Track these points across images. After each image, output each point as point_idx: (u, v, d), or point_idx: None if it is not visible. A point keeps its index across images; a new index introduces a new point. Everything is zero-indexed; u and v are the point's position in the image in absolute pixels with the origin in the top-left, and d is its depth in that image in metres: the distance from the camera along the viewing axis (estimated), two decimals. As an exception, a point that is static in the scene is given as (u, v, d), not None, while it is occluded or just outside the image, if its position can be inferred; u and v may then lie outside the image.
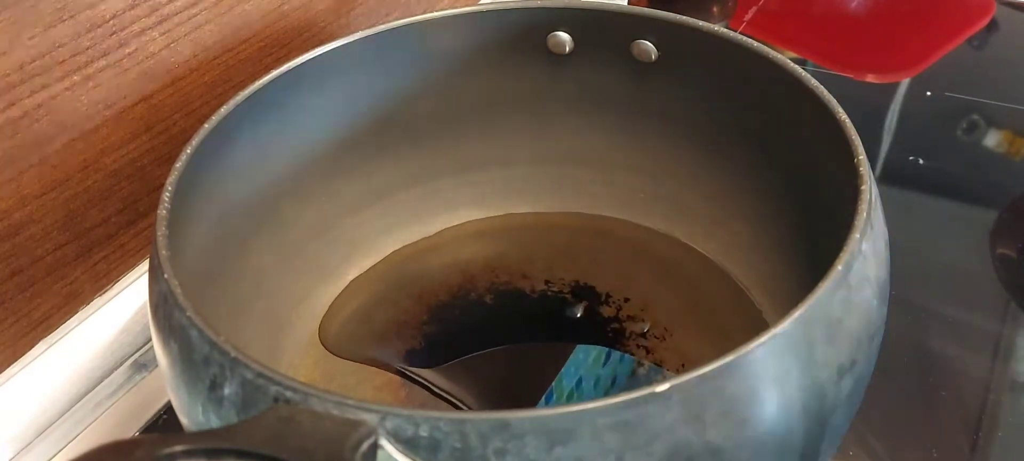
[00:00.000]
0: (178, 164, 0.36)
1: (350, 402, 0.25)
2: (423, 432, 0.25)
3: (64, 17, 0.39)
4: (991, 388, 0.43)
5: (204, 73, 0.47)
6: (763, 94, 0.41)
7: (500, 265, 0.48)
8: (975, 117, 0.62)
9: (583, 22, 0.45)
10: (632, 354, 0.42)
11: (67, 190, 0.42)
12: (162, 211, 0.34)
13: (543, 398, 0.41)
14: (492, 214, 0.50)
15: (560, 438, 0.25)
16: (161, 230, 0.33)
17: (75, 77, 0.41)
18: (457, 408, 0.41)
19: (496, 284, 0.47)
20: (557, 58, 0.46)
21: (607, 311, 0.45)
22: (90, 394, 0.45)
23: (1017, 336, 0.46)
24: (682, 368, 0.42)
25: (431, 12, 0.45)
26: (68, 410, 0.44)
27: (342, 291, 0.47)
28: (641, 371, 0.42)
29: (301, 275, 0.45)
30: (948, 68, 0.68)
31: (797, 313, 0.28)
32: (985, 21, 0.71)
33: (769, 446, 0.28)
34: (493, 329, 0.44)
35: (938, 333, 0.46)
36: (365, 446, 0.24)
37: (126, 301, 0.46)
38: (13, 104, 0.39)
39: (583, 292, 0.46)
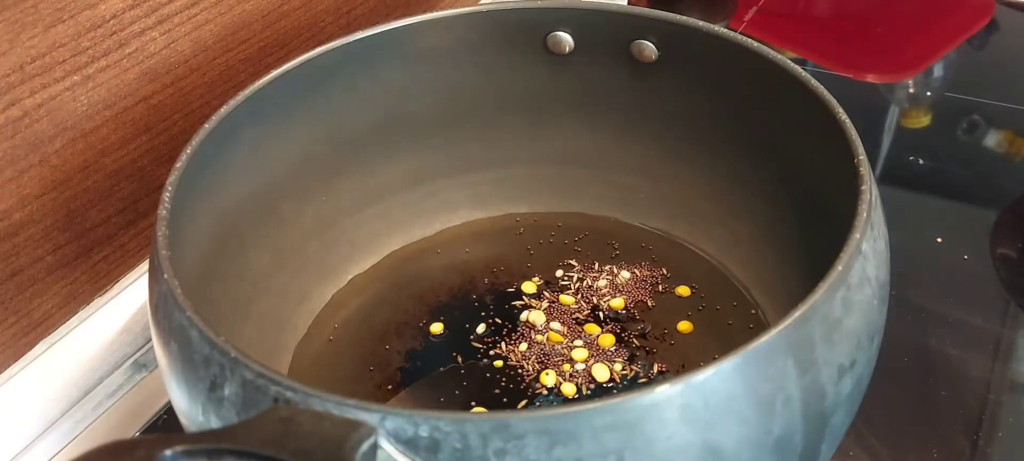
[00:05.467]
0: (178, 164, 0.36)
1: (350, 402, 0.25)
2: (423, 432, 0.25)
3: (64, 17, 0.39)
4: (991, 388, 0.43)
5: (204, 73, 0.47)
6: (763, 94, 0.41)
7: (500, 265, 0.48)
8: (975, 117, 0.62)
9: (583, 22, 0.45)
10: (633, 354, 0.42)
11: (67, 190, 0.42)
12: (162, 211, 0.34)
13: (543, 399, 0.41)
14: (492, 214, 0.50)
15: (560, 438, 0.25)
16: (161, 230, 0.33)
17: (75, 77, 0.41)
18: (457, 408, 0.41)
19: (496, 284, 0.47)
20: (557, 58, 0.46)
21: (607, 311, 0.45)
22: (90, 394, 0.45)
23: (1017, 336, 0.46)
24: (682, 368, 0.42)
25: (431, 12, 0.45)
26: (68, 410, 0.44)
27: (342, 291, 0.47)
28: (641, 371, 0.42)
29: (301, 275, 0.45)
30: (948, 68, 0.68)
31: (797, 313, 0.28)
32: (985, 21, 0.71)
33: (769, 446, 0.28)
34: (493, 329, 0.44)
35: (938, 333, 0.46)
36: (365, 446, 0.24)
37: (126, 301, 0.46)
38: (13, 104, 0.39)
39: (583, 292, 0.46)
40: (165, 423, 0.44)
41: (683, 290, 0.45)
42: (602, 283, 0.46)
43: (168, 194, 0.34)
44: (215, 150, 0.38)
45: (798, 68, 0.39)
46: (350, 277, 0.47)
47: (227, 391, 0.28)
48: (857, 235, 0.30)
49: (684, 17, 0.43)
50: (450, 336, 0.44)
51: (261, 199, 0.43)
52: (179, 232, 0.34)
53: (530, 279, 0.46)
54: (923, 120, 0.63)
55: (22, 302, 0.42)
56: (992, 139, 0.60)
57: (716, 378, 0.26)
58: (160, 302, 0.31)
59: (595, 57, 0.46)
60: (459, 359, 0.43)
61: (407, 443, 0.25)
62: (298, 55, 0.42)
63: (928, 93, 0.65)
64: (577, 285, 0.46)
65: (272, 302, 0.43)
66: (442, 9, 0.45)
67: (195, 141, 0.37)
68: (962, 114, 0.62)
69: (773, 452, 0.28)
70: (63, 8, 0.39)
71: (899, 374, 0.43)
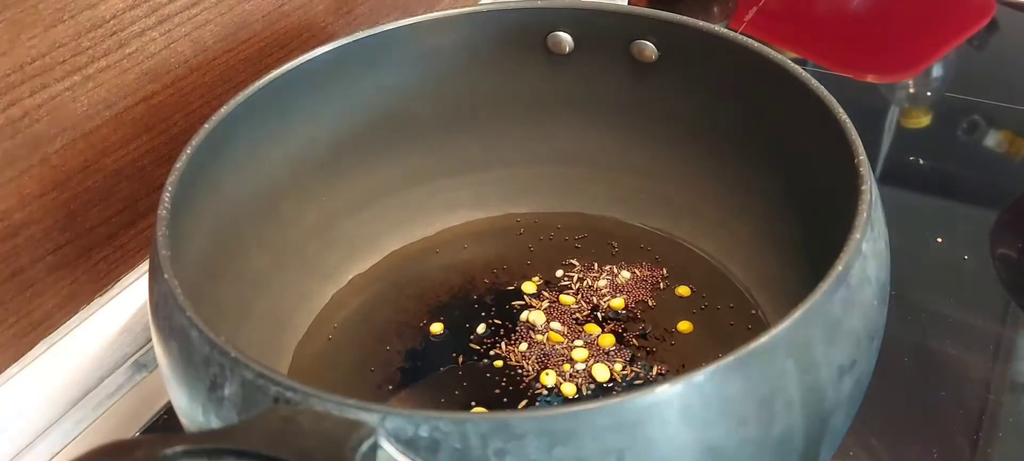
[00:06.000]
0: (178, 164, 0.36)
1: (350, 402, 0.25)
2: (423, 432, 0.25)
3: (64, 17, 0.39)
4: (991, 388, 0.43)
5: (204, 73, 0.47)
6: (763, 94, 0.41)
7: (500, 265, 0.48)
8: (975, 117, 0.62)
9: (583, 22, 0.45)
10: (633, 354, 0.42)
11: (67, 190, 0.42)
12: (162, 211, 0.34)
13: (543, 399, 0.41)
14: (492, 214, 0.50)
15: (560, 438, 0.25)
16: (161, 230, 0.33)
17: (75, 77, 0.41)
18: (457, 408, 0.41)
19: (496, 284, 0.47)
20: (557, 58, 0.46)
21: (607, 311, 0.45)
22: (90, 394, 0.45)
23: (1017, 336, 0.46)
24: (682, 368, 0.42)
25: (431, 12, 0.45)
26: (68, 410, 0.44)
27: (342, 291, 0.47)
28: (641, 371, 0.42)
29: (301, 275, 0.45)
30: (948, 68, 0.68)
31: (797, 313, 0.28)
32: (985, 21, 0.71)
33: (769, 446, 0.28)
34: (493, 329, 0.44)
35: (938, 333, 0.46)
36: (365, 446, 0.24)
37: (126, 301, 0.46)
38: (13, 104, 0.39)
39: (583, 292, 0.46)
40: (165, 423, 0.44)
41: (683, 290, 0.45)
42: (602, 283, 0.46)
43: (168, 194, 0.34)
44: (215, 150, 0.38)
45: (798, 68, 0.39)
46: (350, 277, 0.47)
47: (227, 391, 0.28)
48: (857, 235, 0.30)
49: (684, 17, 0.43)
50: (450, 336, 0.44)
51: (261, 199, 0.43)
52: (179, 232, 0.34)
53: (530, 279, 0.46)
54: (923, 120, 0.63)
55: (22, 302, 0.42)
56: (992, 139, 0.60)
57: (716, 378, 0.26)
58: (160, 302, 0.31)
59: (595, 57, 0.46)
60: (459, 359, 0.43)
61: (407, 443, 0.25)
62: (298, 55, 0.42)
63: (928, 93, 0.65)
64: (577, 285, 0.46)
65: (272, 302, 0.43)
66: (442, 9, 0.45)
67: (195, 141, 0.37)
68: (962, 114, 0.62)
69: (773, 452, 0.28)
70: (63, 8, 0.39)
71: (899, 374, 0.43)
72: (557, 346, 0.43)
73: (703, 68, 0.43)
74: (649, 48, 0.44)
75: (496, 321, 0.44)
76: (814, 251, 0.37)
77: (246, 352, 0.27)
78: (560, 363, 0.42)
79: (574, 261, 0.47)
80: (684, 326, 0.44)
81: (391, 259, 0.48)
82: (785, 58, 0.40)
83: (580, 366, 0.42)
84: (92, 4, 0.40)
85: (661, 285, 0.46)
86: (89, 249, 0.44)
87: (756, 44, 0.41)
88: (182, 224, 0.35)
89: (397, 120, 0.47)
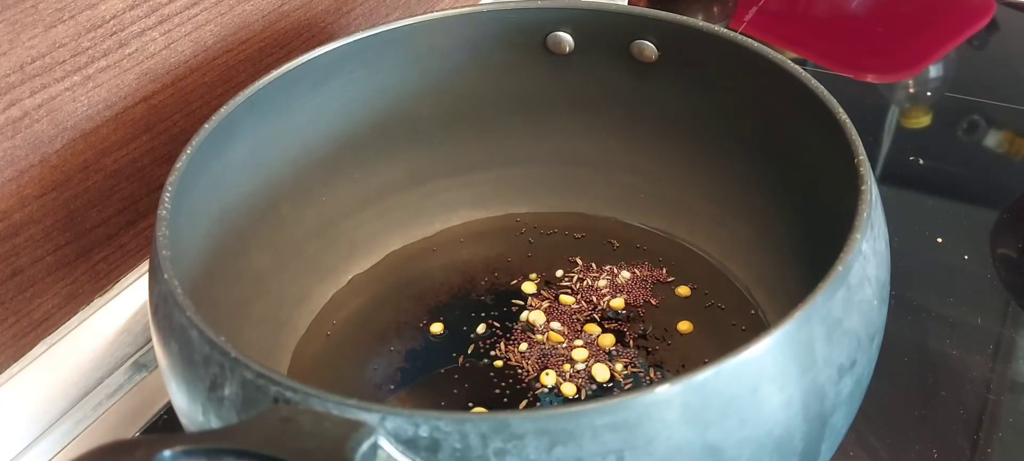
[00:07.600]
0: (178, 164, 0.36)
1: (350, 402, 0.25)
2: (423, 432, 0.25)
3: (64, 17, 0.39)
4: (991, 388, 0.43)
5: (204, 73, 0.47)
6: (763, 94, 0.41)
7: (500, 265, 0.48)
8: (975, 117, 0.62)
9: (583, 22, 0.45)
10: (633, 355, 0.42)
11: (67, 190, 0.42)
12: (162, 211, 0.34)
13: (543, 399, 0.41)
14: (492, 214, 0.50)
15: (560, 438, 0.25)
16: (161, 230, 0.33)
17: (75, 77, 0.41)
18: (457, 408, 0.41)
19: (496, 284, 0.47)
20: (557, 58, 0.46)
21: (607, 311, 0.45)
22: (90, 394, 0.45)
23: (1017, 336, 0.46)
24: (682, 368, 0.42)
25: (431, 12, 0.45)
26: (68, 410, 0.44)
27: (342, 291, 0.47)
28: (641, 372, 0.42)
29: (301, 275, 0.45)
30: (948, 68, 0.68)
31: (797, 313, 0.28)
32: (985, 21, 0.71)
33: (769, 446, 0.28)
34: (493, 329, 0.44)
35: (938, 333, 0.46)
36: (365, 446, 0.24)
37: (126, 301, 0.46)
38: (13, 104, 0.39)
39: (583, 292, 0.46)
40: (165, 423, 0.44)
41: (683, 290, 0.45)
42: (602, 283, 0.46)
43: (168, 194, 0.34)
44: (215, 150, 0.38)
45: (798, 68, 0.39)
46: (350, 277, 0.47)
47: (227, 391, 0.28)
48: (857, 235, 0.30)
49: (684, 17, 0.43)
50: (450, 336, 0.44)
51: (261, 199, 0.43)
52: (179, 232, 0.34)
53: (530, 279, 0.46)
54: (923, 120, 0.63)
55: (22, 302, 0.42)
56: (992, 139, 0.60)
57: (716, 378, 0.26)
58: (160, 302, 0.31)
59: (595, 57, 0.46)
60: (459, 359, 0.43)
61: (407, 443, 0.25)
62: (298, 55, 0.42)
63: (928, 93, 0.65)
64: (577, 285, 0.46)
65: (272, 302, 0.43)
66: (442, 9, 0.45)
67: (195, 141, 0.37)
68: (962, 114, 0.62)
69: (773, 452, 0.28)
70: (63, 8, 0.39)
71: (899, 374, 0.43)
72: (557, 346, 0.43)
73: (703, 68, 0.43)
74: (649, 48, 0.44)
75: (496, 322, 0.44)
76: (814, 251, 0.37)
77: (246, 352, 0.27)
78: (560, 363, 0.42)
79: (574, 261, 0.47)
80: (684, 326, 0.44)
81: (391, 259, 0.48)
82: (785, 58, 0.40)
83: (580, 366, 0.42)
84: (92, 4, 0.40)
85: (661, 285, 0.46)
86: (89, 249, 0.44)
87: (756, 44, 0.41)
88: (182, 224, 0.35)
89: (397, 120, 0.47)
